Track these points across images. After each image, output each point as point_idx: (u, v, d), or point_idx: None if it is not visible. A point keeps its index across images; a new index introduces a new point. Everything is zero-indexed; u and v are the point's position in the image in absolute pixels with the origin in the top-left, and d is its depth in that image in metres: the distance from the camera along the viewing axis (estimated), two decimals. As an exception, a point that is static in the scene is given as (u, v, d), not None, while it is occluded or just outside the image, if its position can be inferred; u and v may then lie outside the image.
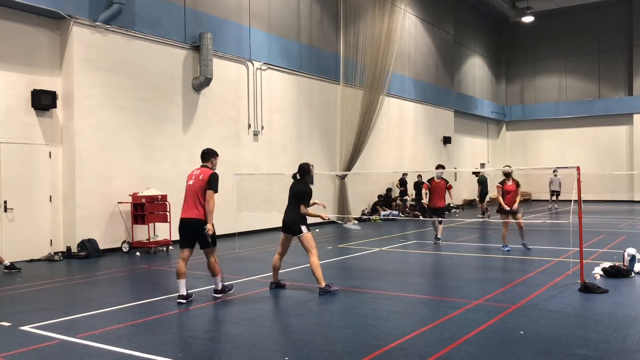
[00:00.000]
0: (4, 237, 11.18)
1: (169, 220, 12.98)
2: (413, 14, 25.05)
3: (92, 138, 12.32)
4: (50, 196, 12.02)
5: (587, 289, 7.71)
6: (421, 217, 20.97)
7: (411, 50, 25.09)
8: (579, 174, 8.30)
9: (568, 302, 7.22)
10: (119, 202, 12.81)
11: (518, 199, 12.09)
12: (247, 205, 14.58)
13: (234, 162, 15.84)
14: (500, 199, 12.22)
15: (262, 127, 16.95)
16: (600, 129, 32.34)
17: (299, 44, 18.54)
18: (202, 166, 7.83)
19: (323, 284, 7.80)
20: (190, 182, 7.58)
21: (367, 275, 9.64)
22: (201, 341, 5.80)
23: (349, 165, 19.93)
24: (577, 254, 8.57)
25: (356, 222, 7.57)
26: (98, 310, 7.08)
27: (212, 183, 7.45)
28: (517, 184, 12.22)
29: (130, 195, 12.76)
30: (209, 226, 7.33)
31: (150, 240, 12.84)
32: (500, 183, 12.42)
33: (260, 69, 16.89)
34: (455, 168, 27.55)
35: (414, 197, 23.69)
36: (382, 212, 21.11)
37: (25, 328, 6.26)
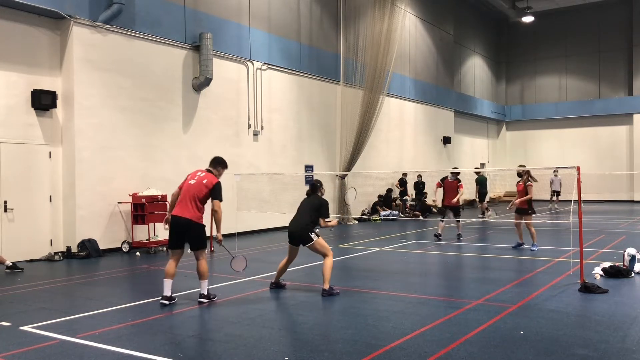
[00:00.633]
0: (4, 237, 11.18)
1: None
2: (413, 14, 25.06)
3: (92, 138, 12.32)
4: (50, 196, 12.02)
5: (587, 289, 7.71)
6: (421, 217, 21.03)
7: (411, 50, 25.09)
8: (579, 174, 8.30)
9: (568, 302, 7.22)
10: (119, 202, 12.81)
11: (525, 198, 12.04)
12: (247, 205, 14.58)
13: (234, 162, 15.81)
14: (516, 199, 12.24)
15: (262, 127, 16.95)
16: (600, 129, 32.34)
17: (299, 44, 18.54)
18: (207, 170, 7.76)
19: (327, 286, 7.79)
20: (192, 182, 7.47)
21: (367, 275, 9.64)
22: (201, 341, 5.80)
23: (349, 165, 19.93)
24: (577, 254, 8.56)
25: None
26: (98, 310, 7.08)
27: (217, 192, 7.42)
28: (525, 184, 12.15)
29: (130, 195, 12.77)
30: (219, 236, 7.35)
31: (150, 240, 12.84)
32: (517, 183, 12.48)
33: (260, 69, 16.89)
34: (456, 168, 27.52)
35: (414, 197, 23.71)
36: (382, 212, 21.11)
37: (25, 328, 6.26)
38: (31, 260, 11.44)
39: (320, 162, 19.53)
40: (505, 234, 15.67)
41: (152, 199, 12.71)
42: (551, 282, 8.42)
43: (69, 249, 12.00)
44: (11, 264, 10.18)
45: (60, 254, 11.79)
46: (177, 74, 14.36)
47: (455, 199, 14.10)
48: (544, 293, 7.73)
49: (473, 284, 8.79)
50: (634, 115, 31.01)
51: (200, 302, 7.40)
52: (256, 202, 15.19)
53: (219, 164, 7.89)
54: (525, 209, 12.11)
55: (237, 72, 16.14)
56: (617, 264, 9.11)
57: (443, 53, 28.01)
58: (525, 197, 12.02)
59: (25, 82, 11.58)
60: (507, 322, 6.26)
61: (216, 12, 15.44)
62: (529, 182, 12.14)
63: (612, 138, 31.93)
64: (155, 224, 13.12)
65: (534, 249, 11.96)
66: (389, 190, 22.68)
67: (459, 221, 14.42)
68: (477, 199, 23.08)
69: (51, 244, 11.98)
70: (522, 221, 12.18)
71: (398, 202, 23.03)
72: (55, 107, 11.96)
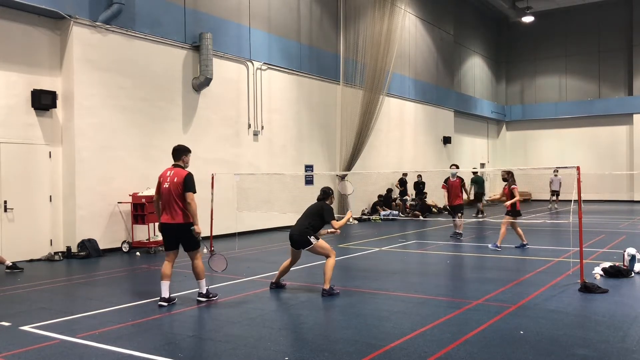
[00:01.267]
0: (4, 237, 11.18)
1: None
2: (413, 14, 25.06)
3: (92, 138, 12.32)
4: (50, 196, 12.02)
5: (587, 289, 7.71)
6: (421, 217, 21.03)
7: (411, 50, 25.09)
8: (579, 174, 8.30)
9: (568, 302, 7.22)
10: (119, 202, 12.81)
11: (513, 201, 12.16)
12: (247, 205, 14.59)
13: (234, 162, 15.84)
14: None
15: (262, 127, 16.95)
16: (600, 129, 32.34)
17: (299, 44, 18.54)
18: (174, 165, 7.58)
19: (328, 286, 7.79)
20: (166, 185, 7.35)
21: (367, 275, 9.64)
22: (201, 341, 5.80)
23: (349, 165, 19.92)
24: (577, 254, 8.56)
25: None
26: (98, 310, 7.08)
27: (188, 185, 7.28)
28: (510, 187, 12.35)
29: (130, 195, 12.77)
30: (196, 228, 7.23)
31: (150, 240, 12.84)
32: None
33: (260, 69, 16.89)
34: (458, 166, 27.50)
35: (413, 197, 23.71)
36: (382, 212, 21.11)
37: (25, 328, 6.26)
38: (31, 260, 11.44)
39: (320, 162, 19.53)
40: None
41: (152, 199, 12.68)
42: (551, 282, 8.42)
43: (69, 249, 12.00)
44: (11, 264, 10.18)
45: (60, 254, 11.79)
46: (177, 74, 14.36)
47: (460, 199, 14.30)
48: (544, 293, 7.73)
49: (473, 284, 8.79)
50: (634, 115, 31.01)
51: (199, 302, 7.40)
52: (256, 202, 15.20)
53: (181, 152, 7.66)
54: (509, 210, 12.17)
55: (237, 72, 16.14)
56: (617, 264, 9.11)
57: (443, 53, 28.01)
58: (513, 200, 12.10)
59: (25, 82, 11.58)
60: (507, 322, 6.26)
61: (216, 12, 15.44)
62: (514, 185, 12.23)
63: (612, 138, 31.92)
64: (155, 224, 13.10)
65: (491, 247, 12.09)
66: (389, 190, 22.68)
67: (460, 219, 14.48)
68: (474, 199, 22.92)
69: (51, 244, 11.98)
70: (517, 221, 12.22)
71: (398, 202, 23.03)
72: (55, 107, 11.96)
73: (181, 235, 7.33)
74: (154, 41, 13.73)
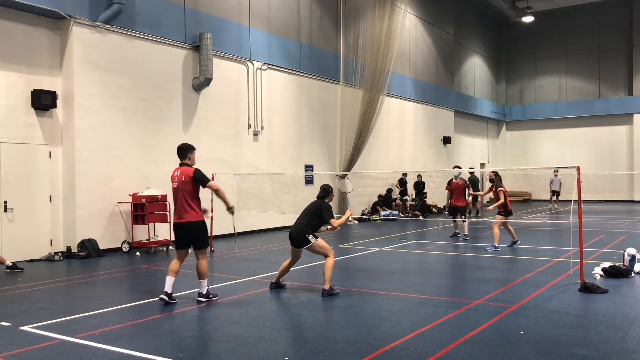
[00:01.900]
0: (4, 237, 11.18)
1: (169, 220, 12.97)
2: (413, 14, 25.06)
3: (92, 138, 12.32)
4: (50, 196, 12.02)
5: (587, 289, 7.71)
6: (421, 217, 21.03)
7: (411, 50, 25.09)
8: (579, 174, 8.30)
9: (568, 302, 7.22)
10: (119, 202, 12.81)
11: (498, 203, 12.31)
12: (247, 205, 14.58)
13: (234, 162, 15.84)
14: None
15: (262, 127, 16.95)
16: (600, 129, 32.34)
17: (299, 44, 18.54)
18: (180, 165, 7.63)
19: (328, 286, 7.78)
20: (175, 185, 7.44)
21: (367, 275, 9.64)
22: (201, 341, 5.80)
23: (349, 165, 19.93)
24: (577, 254, 8.56)
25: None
26: (98, 310, 7.08)
27: (201, 178, 7.36)
28: (496, 190, 12.48)
29: (130, 195, 12.76)
30: (230, 204, 7.58)
31: (150, 240, 12.84)
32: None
33: (260, 69, 16.89)
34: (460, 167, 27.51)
35: (413, 197, 23.71)
36: (382, 212, 21.11)
37: (25, 328, 6.26)
38: (31, 260, 11.44)
39: (320, 162, 19.53)
40: (505, 234, 15.67)
41: (152, 199, 12.71)
42: (551, 282, 8.42)
43: (69, 249, 12.00)
44: (11, 264, 10.18)
45: (60, 254, 11.79)
46: (177, 74, 14.36)
47: (463, 201, 14.40)
48: (544, 293, 7.73)
49: (473, 284, 8.79)
50: (634, 115, 31.01)
51: (199, 302, 7.40)
52: (256, 202, 15.19)
53: (186, 151, 7.70)
54: (501, 210, 12.30)
55: (237, 72, 16.14)
56: (617, 264, 9.11)
57: (443, 53, 28.01)
58: (498, 203, 12.27)
59: (25, 82, 11.58)
60: (507, 322, 6.26)
61: (216, 12, 15.44)
62: (501, 188, 12.35)
63: (612, 138, 31.93)
64: (155, 223, 13.13)
65: (489, 249, 12.08)
66: (389, 190, 22.69)
67: (465, 221, 14.55)
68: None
69: (51, 244, 11.98)
70: (508, 220, 12.39)
71: (398, 202, 23.03)
72: (55, 107, 11.96)
73: (190, 234, 7.37)
74: (154, 41, 13.73)
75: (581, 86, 33.17)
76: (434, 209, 23.59)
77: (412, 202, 23.35)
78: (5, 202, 11.24)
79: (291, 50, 18.18)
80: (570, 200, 9.20)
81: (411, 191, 23.82)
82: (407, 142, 24.90)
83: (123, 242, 12.74)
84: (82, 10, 12.14)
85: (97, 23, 12.39)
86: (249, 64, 16.50)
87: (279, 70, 17.66)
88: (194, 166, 7.60)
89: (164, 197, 12.94)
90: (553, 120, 33.74)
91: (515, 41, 35.23)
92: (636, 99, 31.08)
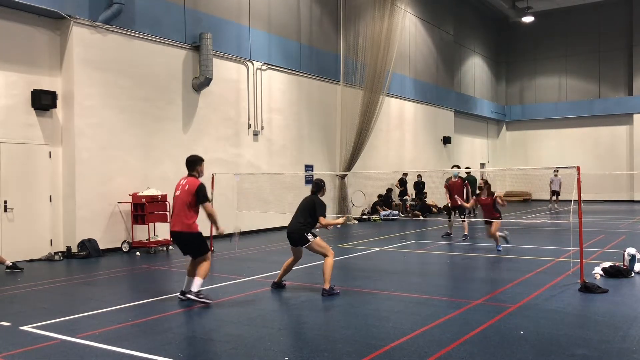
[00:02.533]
0: (4, 237, 11.18)
1: (169, 220, 12.94)
2: (413, 14, 25.06)
3: (92, 138, 12.32)
4: (50, 196, 12.02)
5: (587, 289, 7.71)
6: (421, 217, 21.03)
7: (411, 50, 25.09)
8: (579, 174, 8.30)
9: (568, 302, 7.22)
10: (119, 202, 12.81)
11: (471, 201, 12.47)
12: (247, 205, 14.58)
13: (234, 162, 15.84)
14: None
15: (262, 127, 16.95)
16: (600, 129, 32.34)
17: (299, 44, 18.54)
18: (189, 175, 7.62)
19: (328, 286, 7.78)
20: (178, 193, 7.46)
21: (367, 275, 9.64)
22: (201, 341, 5.80)
23: (349, 165, 19.93)
24: (577, 254, 8.56)
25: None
26: (98, 310, 7.08)
27: (201, 196, 7.33)
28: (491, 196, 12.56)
29: (130, 195, 12.76)
30: (221, 228, 7.43)
31: (150, 240, 12.84)
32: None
33: (260, 69, 16.89)
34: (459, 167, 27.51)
35: (413, 197, 23.71)
36: (382, 212, 21.11)
37: (25, 328, 6.26)
38: (31, 260, 11.44)
39: (320, 162, 19.53)
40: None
41: (152, 199, 12.71)
42: (551, 282, 8.42)
43: (69, 248, 12.00)
44: (11, 263, 10.18)
45: (60, 253, 11.79)
46: (177, 74, 14.36)
47: (462, 199, 14.33)
48: (544, 293, 7.73)
49: (473, 284, 8.79)
50: (634, 115, 31.00)
51: (187, 298, 7.30)
52: (256, 202, 15.19)
53: (195, 163, 7.65)
54: (497, 216, 12.21)
55: (237, 72, 16.14)
56: (617, 264, 9.10)
57: (443, 53, 28.01)
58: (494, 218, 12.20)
59: (25, 82, 11.57)
60: (507, 322, 6.26)
61: (216, 12, 15.44)
62: (496, 195, 12.39)
63: (612, 138, 31.92)
64: (155, 223, 13.12)
65: (499, 248, 11.99)
66: (389, 190, 22.68)
67: (464, 221, 14.54)
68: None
69: (51, 244, 11.98)
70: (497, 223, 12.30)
71: (398, 202, 23.02)
72: (55, 107, 11.96)
73: (187, 244, 7.47)
74: (154, 41, 13.73)
75: (581, 86, 33.16)
76: (434, 209, 23.59)
77: (412, 202, 23.35)
78: (5, 202, 11.24)
79: (291, 50, 18.18)
80: (570, 200, 9.20)
81: (411, 191, 23.82)
82: (407, 142, 24.90)
83: (123, 242, 12.74)
84: (82, 10, 12.14)
85: (97, 23, 12.39)
86: (249, 64, 16.50)
87: (278, 70, 17.66)
88: (201, 179, 7.62)
89: (164, 197, 12.94)
90: (553, 120, 33.73)
91: (515, 41, 35.22)
92: (636, 99, 31.07)
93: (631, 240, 13.02)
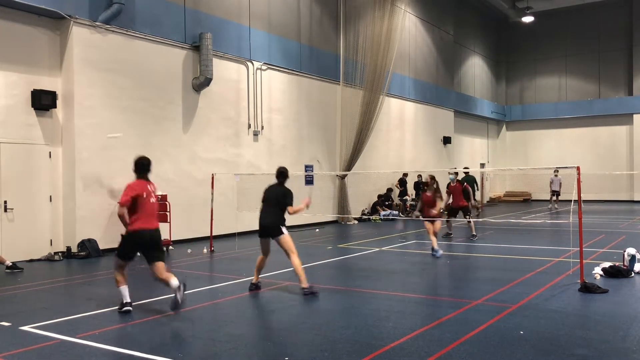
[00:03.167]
0: (4, 237, 11.18)
1: (169, 220, 12.97)
2: (413, 14, 25.05)
3: (92, 138, 12.32)
4: (50, 196, 12.02)
5: (587, 289, 7.71)
6: (421, 217, 21.00)
7: (411, 50, 25.09)
8: (579, 174, 8.30)
9: (568, 302, 7.22)
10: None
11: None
12: (247, 205, 14.57)
13: (234, 162, 15.84)
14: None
15: (262, 127, 16.95)
16: (600, 129, 32.33)
17: (299, 44, 18.54)
18: (145, 179, 7.26)
19: (307, 285, 7.77)
20: (153, 200, 7.23)
21: (367, 275, 9.64)
22: (201, 341, 5.80)
23: (349, 165, 19.93)
24: (577, 254, 8.56)
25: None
26: (98, 310, 7.08)
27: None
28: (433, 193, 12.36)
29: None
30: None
31: (150, 240, 12.81)
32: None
33: (260, 69, 16.89)
34: (455, 168, 27.54)
35: (413, 197, 23.71)
36: (382, 212, 21.10)
37: (25, 328, 6.26)
38: (31, 260, 11.44)
39: (320, 162, 19.52)
40: (505, 234, 15.68)
41: (152, 199, 12.68)
42: (551, 282, 8.42)
43: (69, 249, 12.00)
44: (11, 263, 10.18)
45: (60, 254, 11.79)
46: (177, 74, 14.36)
47: (463, 201, 14.52)
48: (544, 293, 7.73)
49: (473, 284, 8.79)
50: (634, 115, 30.99)
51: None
52: (256, 202, 15.15)
53: (146, 167, 7.31)
54: (438, 215, 12.05)
55: (237, 72, 16.14)
56: (617, 264, 9.10)
57: (443, 53, 28.01)
58: (439, 206, 12.17)
59: (25, 82, 11.57)
60: (507, 322, 6.26)
61: (216, 12, 15.44)
62: (439, 193, 12.21)
63: (612, 138, 31.91)
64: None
65: (437, 254, 11.39)
66: (389, 190, 22.68)
67: (470, 222, 14.58)
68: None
69: (51, 244, 11.98)
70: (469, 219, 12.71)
71: (398, 202, 23.01)
72: (55, 107, 11.96)
73: (157, 244, 7.26)
74: (154, 41, 13.73)
75: (581, 86, 33.16)
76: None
77: (412, 202, 23.34)
78: (5, 202, 11.24)
79: (291, 50, 18.18)
80: (570, 200, 9.20)
81: (411, 191, 23.81)
82: (407, 142, 24.90)
83: (123, 242, 12.71)
84: (82, 10, 12.14)
85: (97, 23, 12.39)
86: (249, 64, 16.50)
87: (279, 70, 17.66)
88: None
89: (164, 197, 12.93)
90: (553, 120, 33.72)
91: (515, 41, 35.21)
92: (636, 99, 31.07)
93: (631, 240, 13.02)
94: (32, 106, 11.67)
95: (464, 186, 14.78)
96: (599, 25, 32.21)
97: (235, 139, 16.06)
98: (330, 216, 19.34)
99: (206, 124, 15.14)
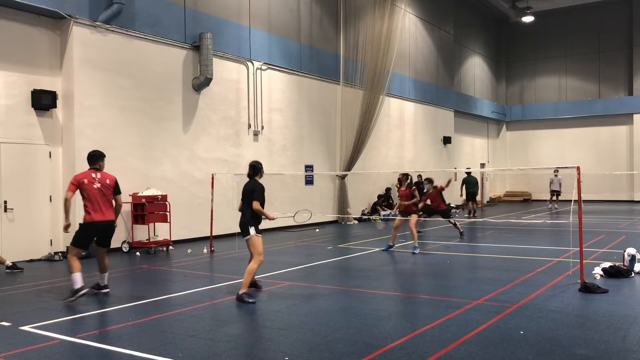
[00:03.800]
0: (4, 237, 11.18)
1: (169, 220, 12.98)
2: (413, 14, 25.06)
3: (92, 138, 12.31)
4: (50, 196, 12.02)
5: (587, 289, 7.71)
6: (421, 217, 20.98)
7: (411, 50, 25.09)
8: (579, 174, 8.30)
9: (568, 302, 7.22)
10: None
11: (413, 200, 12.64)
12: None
13: (234, 162, 15.84)
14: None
15: (262, 127, 16.95)
16: (600, 129, 32.34)
17: (299, 44, 18.54)
18: (93, 169, 8.18)
19: (243, 290, 7.42)
20: (97, 186, 7.97)
21: (367, 275, 9.64)
22: (201, 341, 5.80)
23: (349, 165, 19.93)
24: (577, 254, 8.57)
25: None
26: (98, 310, 7.08)
27: (118, 187, 8.20)
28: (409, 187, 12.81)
29: (130, 195, 12.75)
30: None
31: (150, 240, 12.84)
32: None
33: (260, 69, 16.89)
34: (455, 168, 27.56)
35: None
36: (382, 212, 21.10)
37: (25, 328, 6.26)
38: (31, 260, 11.44)
39: (320, 162, 19.53)
40: (505, 234, 15.69)
41: (152, 199, 12.71)
42: (551, 282, 8.43)
43: (69, 249, 11.98)
44: (11, 263, 10.18)
45: (60, 253, 11.78)
46: (177, 74, 14.36)
47: (442, 205, 14.85)
48: (544, 293, 7.73)
49: (473, 284, 8.79)
50: (634, 115, 30.99)
51: (95, 293, 7.98)
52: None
53: (98, 158, 8.27)
54: (415, 210, 12.70)
55: (237, 72, 16.14)
56: (617, 264, 9.11)
57: (443, 53, 28.01)
58: (413, 201, 12.60)
59: (25, 82, 11.57)
60: (507, 322, 6.26)
61: (216, 12, 15.44)
62: (414, 187, 12.91)
63: (612, 138, 31.92)
64: (155, 223, 13.13)
65: (415, 251, 12.03)
66: (388, 190, 22.66)
67: (455, 224, 14.85)
68: (465, 199, 22.73)
69: (51, 244, 11.97)
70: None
71: (398, 202, 22.99)
72: (55, 107, 11.96)
73: (107, 232, 8.09)
74: (154, 41, 13.73)
75: (581, 86, 33.16)
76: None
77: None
78: (5, 202, 11.24)
79: (291, 50, 18.18)
80: (570, 200, 9.20)
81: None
82: (407, 142, 24.90)
83: (123, 242, 12.73)
84: (82, 10, 12.14)
85: (97, 23, 12.39)
86: (249, 64, 16.50)
87: (279, 70, 17.66)
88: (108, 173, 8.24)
89: (164, 197, 12.94)
90: (553, 120, 33.73)
91: (515, 41, 35.22)
92: (636, 99, 31.07)
93: (631, 240, 13.02)
94: (32, 106, 11.67)
95: (440, 190, 14.91)
96: (599, 25, 32.21)
97: (235, 138, 16.06)
98: (330, 216, 19.35)
99: (206, 124, 15.14)
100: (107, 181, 8.03)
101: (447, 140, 27.97)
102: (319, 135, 19.52)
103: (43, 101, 11.67)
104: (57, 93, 11.97)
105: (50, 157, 12.01)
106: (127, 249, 12.64)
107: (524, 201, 32.75)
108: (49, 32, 12.04)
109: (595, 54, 32.55)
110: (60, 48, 12.18)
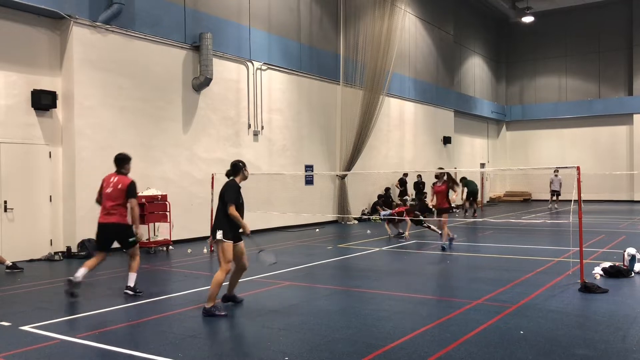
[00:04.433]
0: (4, 237, 11.18)
1: (169, 220, 12.97)
2: (413, 14, 25.06)
3: (92, 138, 12.32)
4: (50, 196, 12.02)
5: (587, 289, 7.71)
6: (421, 217, 20.97)
7: (411, 50, 25.09)
8: (579, 174, 8.30)
9: (568, 302, 7.22)
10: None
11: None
12: (247, 205, 14.55)
13: (234, 162, 15.82)
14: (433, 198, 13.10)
15: (262, 127, 16.95)
16: (600, 129, 32.33)
17: (299, 44, 18.54)
18: (117, 172, 8.12)
19: (210, 305, 6.67)
20: (109, 190, 7.91)
21: (367, 275, 9.64)
22: (201, 341, 5.80)
23: (349, 165, 19.93)
24: (577, 254, 8.56)
25: (273, 261, 6.48)
26: (98, 310, 7.08)
27: (132, 192, 7.93)
28: (449, 185, 12.73)
29: (130, 195, 12.74)
30: (139, 231, 7.97)
31: (151, 240, 12.84)
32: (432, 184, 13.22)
33: (260, 69, 16.89)
34: (455, 168, 27.56)
35: (413, 197, 23.71)
36: (382, 212, 21.07)
37: (25, 328, 6.26)
38: (31, 260, 11.43)
39: (320, 162, 19.53)
40: (505, 234, 15.68)
41: (152, 199, 12.71)
42: (551, 282, 8.43)
43: (69, 248, 12.00)
44: (11, 263, 10.18)
45: (60, 253, 11.79)
46: (177, 74, 14.36)
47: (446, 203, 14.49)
48: (544, 293, 7.73)
49: (473, 284, 8.78)
50: (634, 115, 30.98)
51: (126, 294, 7.91)
52: (256, 202, 15.18)
53: (124, 161, 8.24)
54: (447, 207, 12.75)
55: (237, 72, 16.14)
56: (617, 264, 9.11)
57: (443, 53, 28.01)
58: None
59: (25, 82, 11.57)
60: (507, 322, 6.26)
61: (216, 12, 15.44)
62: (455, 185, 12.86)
63: (612, 138, 31.91)
64: (156, 223, 13.12)
65: (446, 247, 12.37)
66: (387, 189, 22.65)
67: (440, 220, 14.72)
68: (465, 199, 22.73)
69: (51, 244, 11.98)
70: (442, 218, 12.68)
71: (398, 202, 22.99)
72: (55, 107, 11.96)
73: (114, 235, 8.00)
74: (154, 41, 13.73)
75: (581, 86, 33.16)
76: (433, 209, 23.53)
77: (412, 202, 23.33)
78: (5, 202, 11.24)
79: (291, 50, 18.18)
80: (570, 200, 9.20)
81: (411, 191, 23.82)
82: (407, 142, 24.90)
83: (123, 242, 12.71)
84: (82, 10, 12.14)
85: (97, 23, 12.39)
86: (249, 64, 16.50)
87: (279, 70, 17.66)
88: (130, 176, 8.14)
89: (164, 197, 12.94)
90: (553, 120, 33.72)
91: (515, 41, 35.22)
92: (636, 99, 31.06)
93: (631, 240, 13.02)
94: (32, 106, 11.67)
95: (450, 186, 14.60)
96: (599, 25, 32.20)
97: (235, 139, 16.06)
98: (330, 216, 19.35)
99: (206, 124, 15.14)
100: (120, 185, 7.96)
101: (447, 140, 27.97)
102: (319, 135, 19.52)
103: (43, 101, 11.67)
104: (57, 93, 11.97)
105: (50, 157, 12.01)
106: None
107: (524, 201, 32.74)
108: (49, 32, 12.04)
109: (595, 54, 32.54)
110: (60, 48, 12.18)
